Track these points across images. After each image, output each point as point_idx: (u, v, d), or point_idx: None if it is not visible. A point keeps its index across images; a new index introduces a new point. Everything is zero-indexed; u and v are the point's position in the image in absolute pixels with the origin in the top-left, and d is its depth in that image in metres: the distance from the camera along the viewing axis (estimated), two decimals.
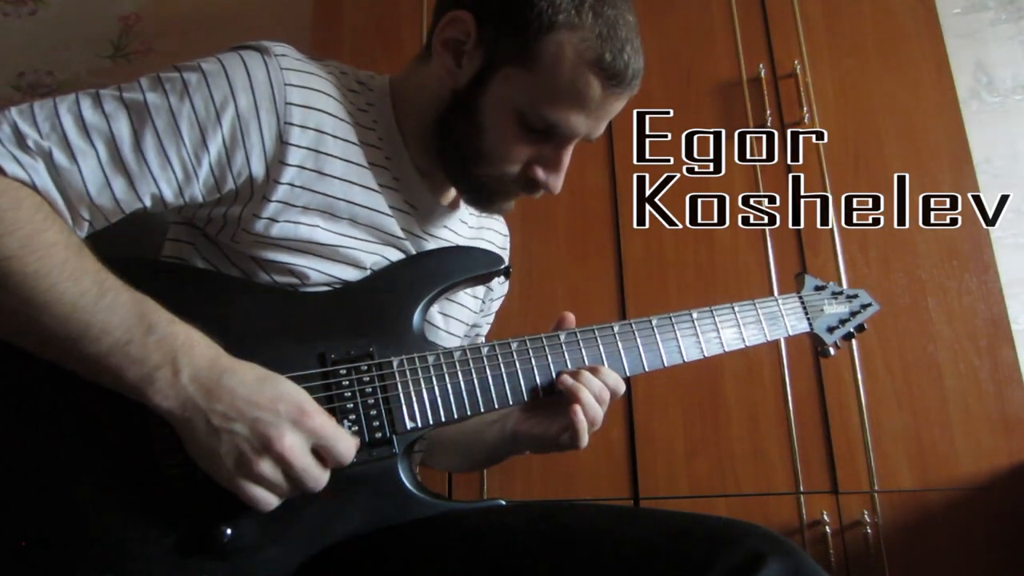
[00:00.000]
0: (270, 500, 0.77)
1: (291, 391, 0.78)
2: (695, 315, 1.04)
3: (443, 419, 0.89)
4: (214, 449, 0.75)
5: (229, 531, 0.77)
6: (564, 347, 0.96)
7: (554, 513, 0.82)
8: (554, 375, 0.94)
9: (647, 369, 0.99)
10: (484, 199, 1.00)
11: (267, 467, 0.75)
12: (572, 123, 0.91)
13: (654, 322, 1.01)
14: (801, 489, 1.67)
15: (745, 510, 1.66)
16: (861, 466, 1.66)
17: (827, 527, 1.62)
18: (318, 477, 0.78)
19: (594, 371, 0.94)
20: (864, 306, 1.19)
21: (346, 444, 0.80)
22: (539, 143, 0.93)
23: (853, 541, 1.62)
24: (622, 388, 0.96)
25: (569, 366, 0.95)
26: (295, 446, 0.76)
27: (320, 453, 0.79)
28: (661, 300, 1.83)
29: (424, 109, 0.97)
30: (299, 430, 0.76)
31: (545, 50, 0.88)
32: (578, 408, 0.91)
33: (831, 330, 1.16)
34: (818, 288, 1.17)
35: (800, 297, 1.15)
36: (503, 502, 0.89)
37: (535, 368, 0.94)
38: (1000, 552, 1.56)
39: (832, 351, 1.15)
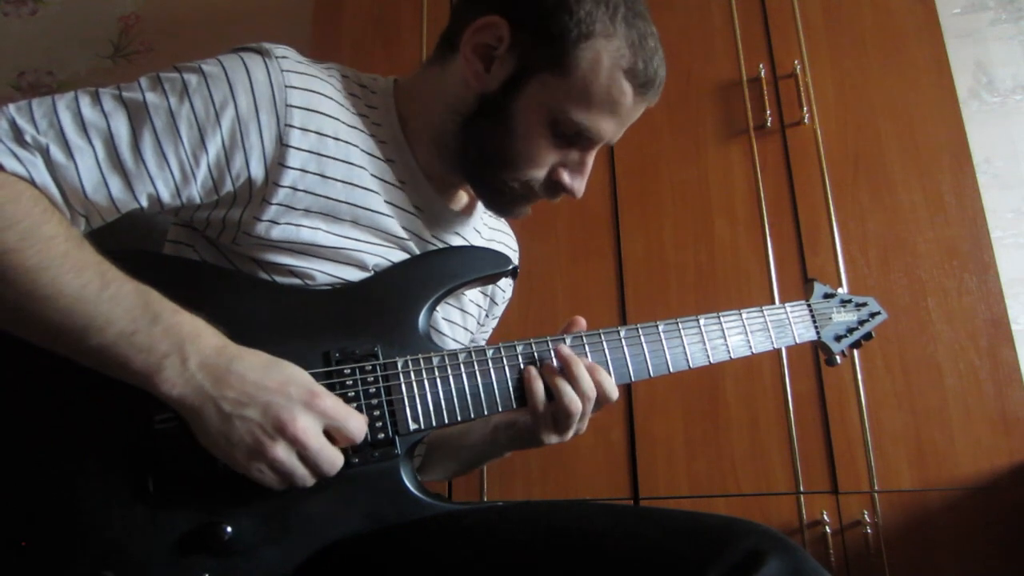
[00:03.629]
0: (279, 486, 0.78)
1: (299, 375, 0.79)
2: (702, 321, 1.03)
3: (446, 421, 0.88)
4: (227, 436, 0.75)
5: (230, 529, 0.77)
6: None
7: (554, 512, 0.82)
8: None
9: (652, 375, 0.99)
10: (506, 203, 1.00)
11: (282, 450, 0.75)
12: (602, 128, 0.93)
13: (660, 327, 1.00)
14: (801, 489, 1.67)
15: (745, 510, 1.67)
16: (861, 466, 1.66)
17: (827, 527, 1.62)
18: (334, 458, 0.78)
19: (591, 369, 0.93)
20: (873, 314, 1.18)
21: (357, 423, 0.80)
22: (566, 148, 0.95)
23: (853, 541, 1.62)
24: (613, 393, 0.94)
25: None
26: (308, 428, 0.76)
27: (332, 434, 0.79)
28: (661, 300, 1.83)
29: (441, 112, 0.97)
30: (311, 412, 0.77)
31: (583, 57, 0.89)
32: (531, 368, 0.91)
33: (838, 339, 1.14)
34: (827, 296, 1.16)
35: (809, 305, 1.13)
36: (501, 503, 0.89)
37: None
38: (1000, 552, 1.56)
39: (839, 360, 1.14)
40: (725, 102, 1.94)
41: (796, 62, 1.91)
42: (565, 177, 0.97)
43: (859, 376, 1.71)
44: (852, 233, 1.80)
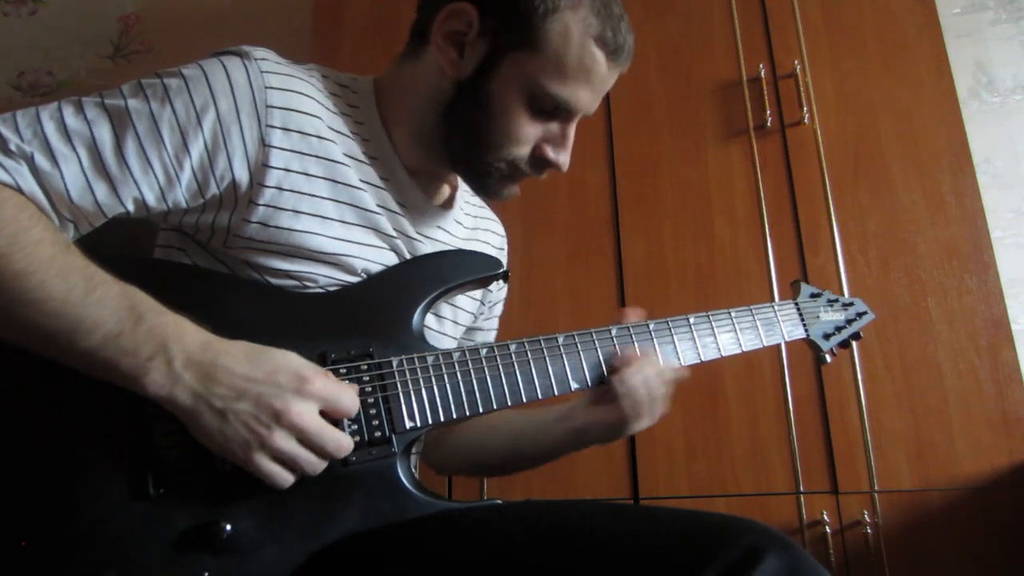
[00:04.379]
0: (287, 476, 0.78)
1: (285, 361, 0.79)
2: (692, 320, 1.05)
3: (442, 419, 0.89)
4: (224, 431, 0.75)
5: (228, 527, 0.77)
6: (562, 350, 0.96)
7: (553, 510, 0.82)
8: (552, 377, 0.95)
9: None
10: (493, 185, 1.01)
11: (281, 439, 0.76)
12: (579, 99, 0.95)
13: (651, 327, 1.02)
14: (801, 489, 1.67)
15: (745, 510, 1.66)
16: (861, 466, 1.66)
17: (827, 527, 1.62)
18: (339, 438, 0.79)
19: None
20: (860, 314, 1.20)
21: (349, 398, 0.81)
22: (546, 122, 0.96)
23: (853, 541, 1.62)
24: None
25: (567, 369, 0.96)
26: (304, 412, 0.77)
27: (329, 414, 0.79)
28: (661, 300, 1.83)
29: (419, 104, 0.98)
30: (303, 397, 0.77)
31: (552, 31, 0.91)
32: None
33: (827, 337, 1.17)
34: (814, 295, 1.18)
35: (796, 304, 1.16)
36: (499, 502, 0.89)
37: (533, 370, 0.94)
38: (1000, 552, 1.56)
39: (829, 358, 1.16)
40: (725, 102, 1.94)
41: (796, 62, 1.91)
42: (549, 152, 0.98)
43: (859, 376, 1.71)
44: (852, 233, 1.80)
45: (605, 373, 0.97)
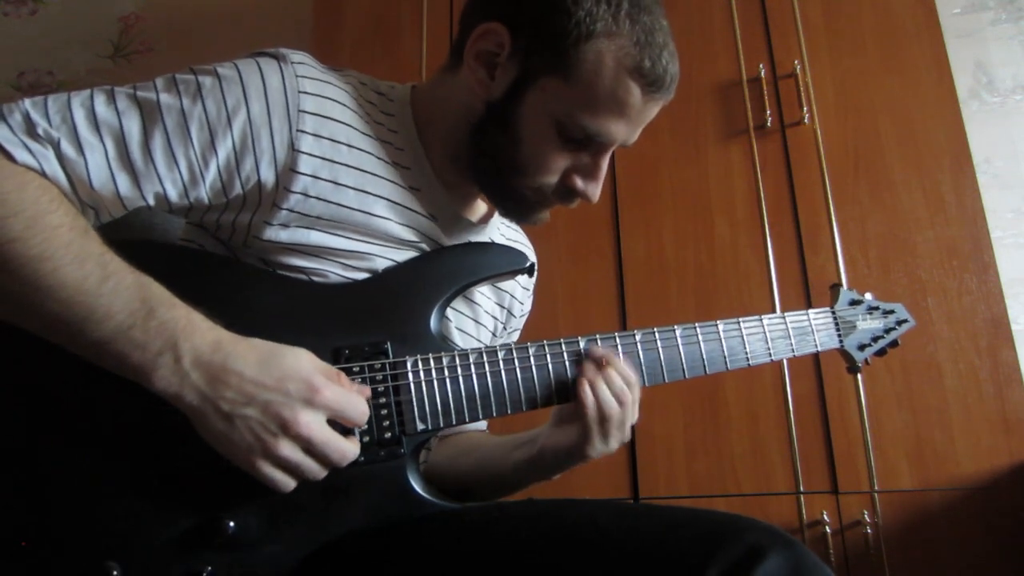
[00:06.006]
0: (290, 483, 0.77)
1: (297, 366, 0.78)
2: (721, 327, 0.99)
3: (454, 422, 0.87)
4: (229, 435, 0.75)
5: (232, 523, 0.77)
6: (584, 352, 0.93)
7: (555, 510, 0.82)
8: (571, 380, 0.91)
9: (667, 380, 0.96)
10: (521, 210, 0.98)
11: (287, 448, 0.75)
12: (611, 131, 0.90)
13: (678, 332, 0.97)
14: (801, 489, 1.67)
15: (745, 510, 1.64)
16: (861, 466, 1.66)
17: (827, 527, 1.62)
18: (343, 449, 0.78)
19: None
20: (900, 322, 1.14)
21: (359, 408, 0.80)
22: (576, 152, 0.92)
23: (853, 541, 1.62)
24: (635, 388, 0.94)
25: (587, 373, 0.92)
26: (311, 423, 0.76)
27: (337, 423, 0.79)
28: (661, 301, 1.83)
29: (452, 120, 0.96)
30: (313, 407, 0.76)
31: (584, 59, 0.87)
32: (585, 388, 0.89)
33: (862, 347, 1.11)
34: (853, 302, 1.12)
35: (833, 312, 1.10)
36: (501, 501, 0.89)
37: (551, 374, 0.91)
38: (1000, 552, 1.56)
39: (861, 366, 1.11)
40: (725, 102, 1.94)
41: (796, 62, 1.91)
42: (578, 182, 0.94)
43: (859, 376, 1.71)
44: (852, 233, 1.80)
45: (562, 395, 0.91)
